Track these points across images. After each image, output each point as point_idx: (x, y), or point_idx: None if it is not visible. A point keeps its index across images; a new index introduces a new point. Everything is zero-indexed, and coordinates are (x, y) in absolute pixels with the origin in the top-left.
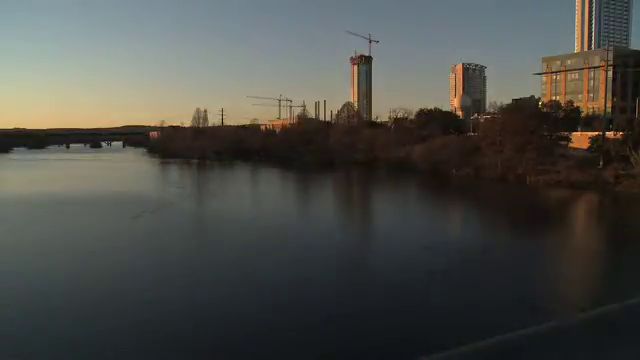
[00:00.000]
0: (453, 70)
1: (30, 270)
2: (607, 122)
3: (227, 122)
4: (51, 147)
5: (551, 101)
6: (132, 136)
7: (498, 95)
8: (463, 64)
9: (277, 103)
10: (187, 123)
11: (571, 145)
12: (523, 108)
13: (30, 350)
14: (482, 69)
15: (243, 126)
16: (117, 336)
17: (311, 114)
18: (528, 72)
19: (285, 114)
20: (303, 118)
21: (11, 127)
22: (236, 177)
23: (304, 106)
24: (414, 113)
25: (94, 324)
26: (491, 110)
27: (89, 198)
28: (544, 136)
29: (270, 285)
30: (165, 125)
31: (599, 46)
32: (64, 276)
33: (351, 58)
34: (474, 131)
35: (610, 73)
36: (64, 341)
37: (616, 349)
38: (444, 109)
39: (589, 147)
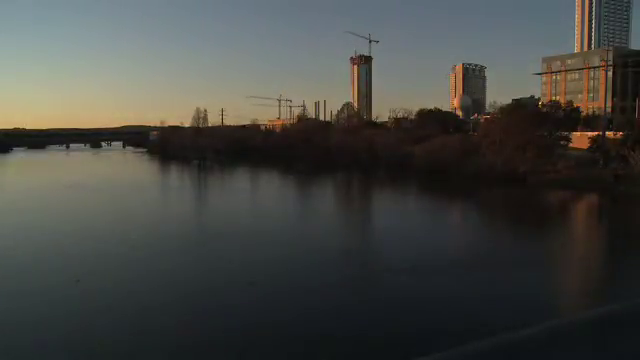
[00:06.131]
0: (453, 70)
1: None
2: (607, 122)
3: (227, 122)
4: (51, 147)
5: (551, 101)
6: (132, 136)
7: (498, 95)
8: (463, 64)
9: (277, 103)
10: (187, 123)
11: (571, 145)
12: (524, 108)
13: None
14: (482, 69)
15: (243, 126)
16: None
17: (311, 114)
18: (528, 72)
19: (285, 114)
20: (303, 118)
21: (11, 127)
22: (238, 179)
23: (304, 106)
24: (414, 113)
25: None
26: (491, 110)
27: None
28: (544, 136)
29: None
30: (165, 125)
31: (599, 46)
32: None
33: (351, 58)
34: (474, 131)
35: (610, 73)
36: None
37: (617, 349)
38: (444, 109)
39: (589, 147)
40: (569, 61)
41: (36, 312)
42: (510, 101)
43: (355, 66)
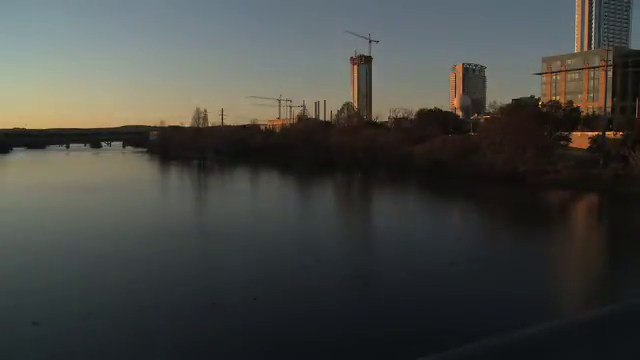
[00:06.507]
0: (453, 70)
1: None
2: (607, 122)
3: (227, 122)
4: (51, 147)
5: (551, 101)
6: (132, 136)
7: (498, 95)
8: (463, 64)
9: (277, 103)
10: (187, 123)
11: (571, 145)
12: (524, 108)
13: None
14: (482, 69)
15: (243, 126)
16: None
17: (311, 114)
18: (528, 72)
19: (285, 114)
20: (303, 118)
21: (11, 127)
22: (238, 179)
23: (304, 106)
24: (414, 113)
25: None
26: (491, 110)
27: None
28: (544, 136)
29: None
30: (165, 125)
31: (599, 46)
32: None
33: (351, 58)
34: (474, 131)
35: (610, 73)
36: None
37: (617, 349)
38: (444, 109)
39: (589, 147)
40: (569, 61)
41: (36, 312)
42: (510, 101)
43: (355, 66)
